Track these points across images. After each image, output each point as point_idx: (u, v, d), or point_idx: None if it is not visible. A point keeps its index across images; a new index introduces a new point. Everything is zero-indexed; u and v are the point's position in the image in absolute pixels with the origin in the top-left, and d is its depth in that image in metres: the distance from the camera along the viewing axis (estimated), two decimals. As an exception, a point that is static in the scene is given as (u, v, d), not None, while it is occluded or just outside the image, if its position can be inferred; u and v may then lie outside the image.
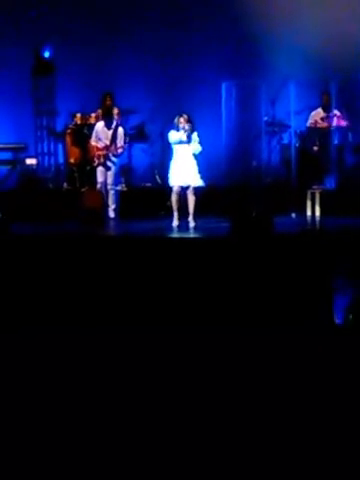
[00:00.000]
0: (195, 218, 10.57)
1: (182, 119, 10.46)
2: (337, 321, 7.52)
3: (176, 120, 10.51)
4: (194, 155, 10.54)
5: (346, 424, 4.70)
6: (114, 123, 11.68)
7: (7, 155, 11.86)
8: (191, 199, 10.53)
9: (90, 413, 4.99)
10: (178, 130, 10.48)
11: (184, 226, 10.54)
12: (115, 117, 11.96)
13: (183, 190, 10.58)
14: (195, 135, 10.51)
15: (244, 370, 5.71)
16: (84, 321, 7.56)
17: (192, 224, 10.54)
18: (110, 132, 11.61)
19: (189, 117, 10.50)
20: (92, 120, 12.83)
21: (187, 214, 10.62)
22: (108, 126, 11.66)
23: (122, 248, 9.19)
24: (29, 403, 5.11)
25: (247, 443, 4.53)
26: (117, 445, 4.54)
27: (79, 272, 8.76)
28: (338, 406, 4.95)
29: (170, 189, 10.64)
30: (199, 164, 10.58)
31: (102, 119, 11.94)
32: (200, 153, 10.58)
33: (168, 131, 10.76)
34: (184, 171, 10.48)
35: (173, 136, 10.49)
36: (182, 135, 10.41)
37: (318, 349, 6.21)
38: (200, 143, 10.56)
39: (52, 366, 5.87)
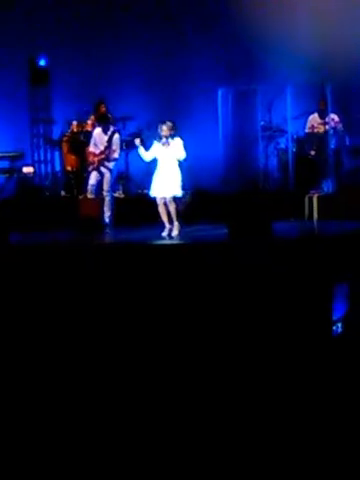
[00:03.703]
0: (177, 226, 10.37)
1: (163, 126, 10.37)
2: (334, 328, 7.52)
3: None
4: (179, 163, 10.35)
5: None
6: (111, 129, 11.66)
7: (4, 164, 11.85)
8: (171, 208, 10.42)
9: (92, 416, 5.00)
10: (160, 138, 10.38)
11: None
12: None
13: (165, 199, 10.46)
14: (178, 141, 10.33)
15: (243, 378, 5.70)
16: (84, 330, 7.54)
17: (175, 232, 10.42)
18: (106, 138, 11.59)
19: (164, 123, 10.30)
20: (88, 127, 12.83)
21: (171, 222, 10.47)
22: (105, 132, 11.65)
23: (119, 256, 9.17)
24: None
25: (246, 446, 4.53)
26: (117, 446, 4.55)
27: (77, 280, 8.74)
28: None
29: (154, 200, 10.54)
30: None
31: (98, 125, 11.92)
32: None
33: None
34: (161, 181, 10.37)
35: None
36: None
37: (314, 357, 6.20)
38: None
39: (52, 376, 5.87)
